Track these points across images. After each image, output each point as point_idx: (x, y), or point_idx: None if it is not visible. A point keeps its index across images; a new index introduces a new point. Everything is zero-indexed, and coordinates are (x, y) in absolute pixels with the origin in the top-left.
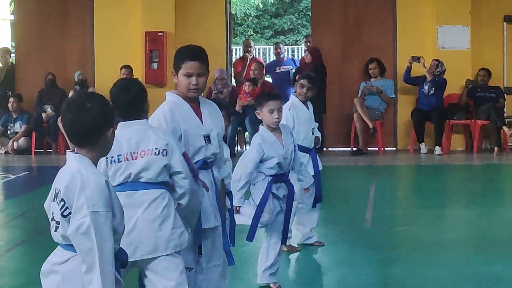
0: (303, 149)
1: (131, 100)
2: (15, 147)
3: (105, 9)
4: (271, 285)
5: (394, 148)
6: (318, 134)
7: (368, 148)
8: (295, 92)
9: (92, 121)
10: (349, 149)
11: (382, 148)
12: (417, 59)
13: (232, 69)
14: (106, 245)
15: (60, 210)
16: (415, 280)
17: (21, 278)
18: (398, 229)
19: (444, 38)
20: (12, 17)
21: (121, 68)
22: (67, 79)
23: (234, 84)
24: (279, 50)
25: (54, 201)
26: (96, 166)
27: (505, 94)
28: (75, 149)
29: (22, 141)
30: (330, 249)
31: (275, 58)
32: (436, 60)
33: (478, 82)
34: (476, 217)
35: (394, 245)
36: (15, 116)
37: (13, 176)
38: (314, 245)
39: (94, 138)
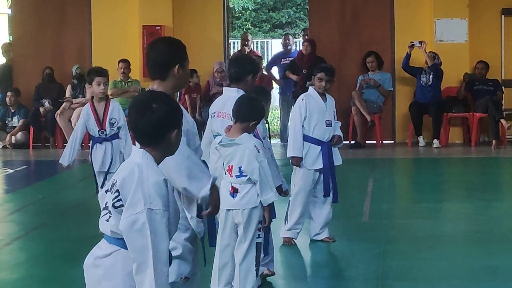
0: (314, 141)
1: None
2: (13, 141)
3: (103, 3)
4: (265, 271)
5: (392, 141)
6: (339, 133)
7: (366, 141)
8: (313, 85)
9: (156, 122)
10: (347, 142)
11: (380, 141)
12: (418, 43)
13: None
14: (160, 244)
15: (112, 200)
16: (413, 273)
17: (19, 272)
18: (396, 222)
19: (442, 31)
20: (9, 12)
21: (119, 62)
22: (65, 73)
23: None
24: (287, 42)
25: (110, 191)
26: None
27: (503, 87)
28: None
29: (20, 135)
30: (328, 242)
31: (282, 50)
32: (432, 52)
33: (476, 75)
34: (474, 210)
35: (392, 239)
36: (12, 111)
37: (11, 171)
38: (324, 241)
39: (157, 138)
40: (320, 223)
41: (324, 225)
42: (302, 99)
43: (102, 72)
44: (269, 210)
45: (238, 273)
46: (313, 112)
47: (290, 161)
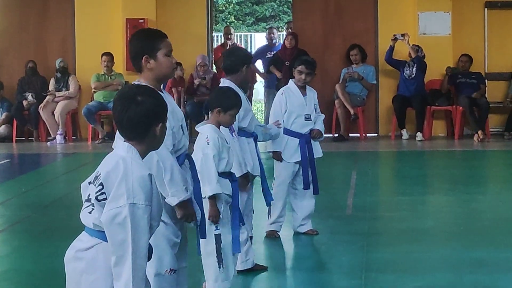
0: (293, 133)
1: None
2: None
3: None
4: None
5: (376, 134)
6: (320, 127)
7: (350, 134)
8: (294, 78)
9: (141, 115)
10: (331, 135)
11: (363, 134)
12: (401, 36)
13: (213, 55)
14: (140, 239)
15: (95, 193)
16: (397, 266)
17: (3, 265)
18: (379, 215)
19: (425, 24)
20: None
21: (102, 55)
22: (48, 67)
23: (215, 71)
24: (272, 35)
25: (93, 183)
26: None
27: (486, 80)
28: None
29: (3, 128)
30: (311, 235)
31: (267, 43)
32: (415, 45)
33: (459, 68)
34: (457, 203)
35: (375, 231)
36: None
37: None
38: (307, 234)
39: (142, 132)
40: (302, 215)
41: (306, 217)
42: (282, 93)
43: None
44: (213, 203)
45: (203, 266)
46: (292, 106)
47: (271, 155)
